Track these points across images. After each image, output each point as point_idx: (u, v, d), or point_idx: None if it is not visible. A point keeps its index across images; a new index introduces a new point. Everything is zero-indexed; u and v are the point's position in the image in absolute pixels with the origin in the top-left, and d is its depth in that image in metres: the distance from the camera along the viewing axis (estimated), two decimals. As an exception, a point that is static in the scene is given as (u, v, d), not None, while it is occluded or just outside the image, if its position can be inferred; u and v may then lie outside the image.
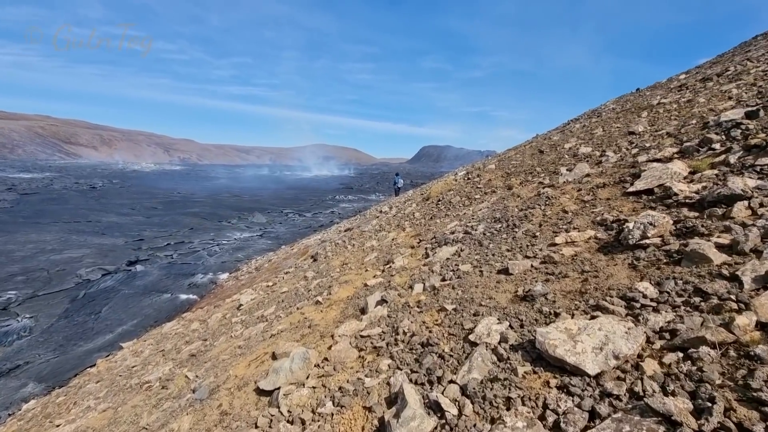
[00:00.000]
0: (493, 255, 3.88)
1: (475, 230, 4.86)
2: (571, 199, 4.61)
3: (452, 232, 5.43)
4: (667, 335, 2.05)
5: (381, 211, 13.11)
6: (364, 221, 12.64)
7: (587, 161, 7.29)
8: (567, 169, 6.53)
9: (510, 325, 2.64)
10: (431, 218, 8.25)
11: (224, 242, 22.31)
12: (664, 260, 2.67)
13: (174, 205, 38.60)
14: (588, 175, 5.70)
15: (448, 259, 4.31)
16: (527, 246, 3.78)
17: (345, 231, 12.91)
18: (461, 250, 4.34)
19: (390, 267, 5.15)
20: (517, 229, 4.25)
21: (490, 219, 5.16)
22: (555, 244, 3.56)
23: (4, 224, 25.40)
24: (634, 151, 6.49)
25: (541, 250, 3.57)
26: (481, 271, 3.63)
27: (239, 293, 9.26)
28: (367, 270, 5.53)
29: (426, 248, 5.24)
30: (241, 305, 7.01)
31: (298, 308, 5.06)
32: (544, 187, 6.53)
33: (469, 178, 10.46)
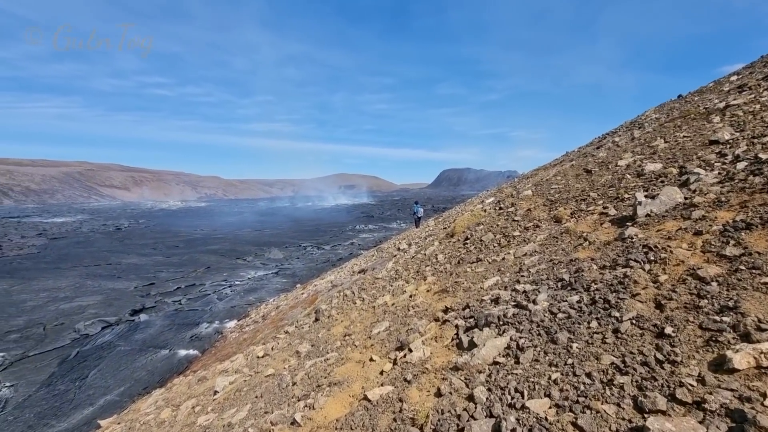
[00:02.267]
0: (590, 379, 2.07)
1: (534, 302, 3.13)
2: (694, 250, 2.86)
3: (494, 300, 3.70)
4: None
5: (399, 249, 11.44)
6: (380, 261, 10.98)
7: (668, 182, 5.48)
8: (646, 195, 4.73)
9: None
10: (458, 263, 6.51)
11: (237, 283, 21.05)
12: None
13: (195, 242, 38.19)
14: (689, 205, 3.92)
15: (496, 364, 2.59)
16: (660, 365, 1.96)
17: (358, 273, 11.26)
18: (518, 347, 2.61)
19: (404, 358, 3.45)
20: (616, 313, 2.47)
21: (553, 280, 3.42)
22: (733, 369, 1.79)
23: (27, 271, 25.17)
24: (741, 165, 4.66)
25: (701, 381, 1.80)
26: (575, 422, 1.87)
27: (230, 361, 7.67)
28: (372, 358, 3.85)
29: (457, 327, 3.52)
30: (216, 392, 5.40)
31: (271, 424, 3.40)
32: (615, 222, 4.73)
33: (501, 208, 8.72)
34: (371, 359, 3.86)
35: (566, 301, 2.90)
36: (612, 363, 2.13)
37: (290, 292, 16.83)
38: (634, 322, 2.35)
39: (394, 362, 3.58)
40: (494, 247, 6.43)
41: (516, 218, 7.32)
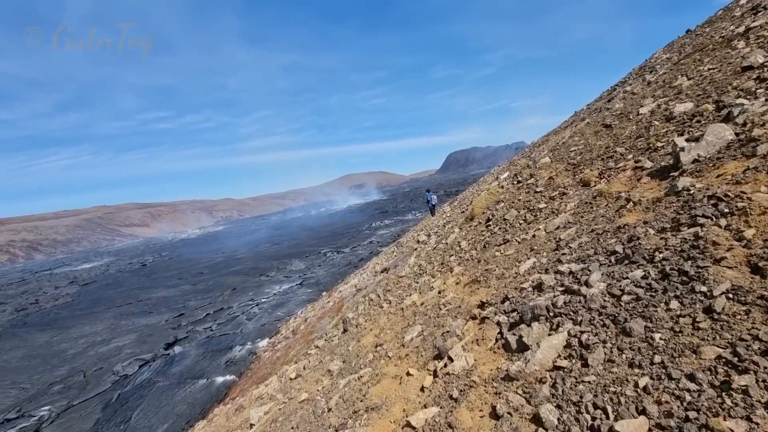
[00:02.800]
0: (694, 383, 1.56)
1: (587, 285, 2.64)
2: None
3: (537, 287, 3.23)
4: None
5: (419, 241, 10.98)
6: (401, 257, 10.55)
7: (706, 120, 4.87)
8: (687, 140, 4.15)
9: None
10: (484, 248, 6.03)
11: (263, 300, 20.99)
12: None
13: (218, 266, 38.54)
14: (746, 140, 3.34)
15: (558, 369, 2.12)
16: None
17: (381, 273, 10.87)
18: (581, 344, 2.13)
19: (445, 368, 3.03)
20: (701, 287, 1.94)
21: (602, 254, 2.92)
22: None
23: (64, 320, 25.72)
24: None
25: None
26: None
27: (265, 385, 7.39)
28: (408, 372, 3.43)
29: (499, 324, 3.07)
30: (252, 425, 5.09)
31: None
32: (655, 176, 4.18)
33: (519, 181, 8.16)
34: (408, 373, 3.44)
35: (627, 278, 2.41)
36: (719, 356, 1.64)
37: (316, 301, 16.59)
38: (731, 296, 1.85)
39: (435, 374, 3.16)
40: (520, 224, 5.92)
41: (538, 189, 6.77)
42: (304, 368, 6.42)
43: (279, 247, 44.29)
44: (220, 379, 11.77)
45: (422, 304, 5.37)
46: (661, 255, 2.39)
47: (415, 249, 10.25)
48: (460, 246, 6.95)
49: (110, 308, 26.93)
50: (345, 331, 6.68)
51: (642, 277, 2.32)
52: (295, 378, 6.09)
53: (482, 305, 3.75)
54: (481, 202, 8.40)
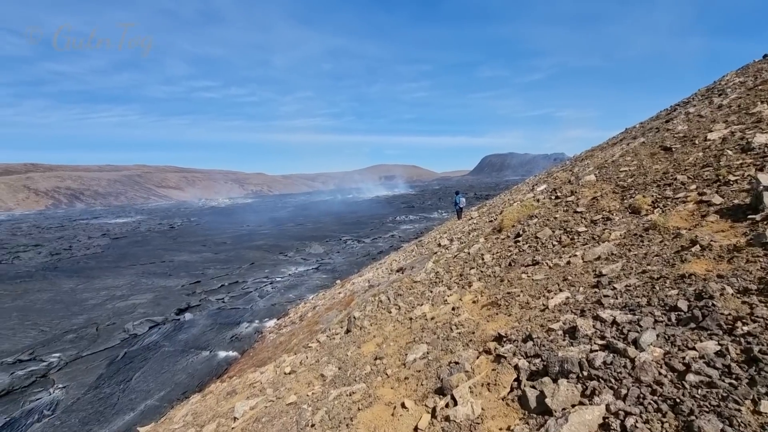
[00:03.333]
0: None
1: (635, 345, 2.10)
2: None
3: (569, 332, 2.70)
4: None
5: (440, 245, 10.45)
6: (419, 259, 10.08)
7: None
8: (776, 178, 3.46)
9: None
10: (510, 266, 5.48)
11: (278, 279, 21.03)
12: None
13: (241, 238, 39.18)
14: None
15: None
16: None
17: (396, 272, 10.45)
18: (623, 429, 1.62)
19: (446, 410, 2.58)
20: None
21: (658, 307, 2.36)
22: None
23: (91, 270, 26.78)
24: None
25: None
26: None
27: (260, 372, 7.17)
28: (404, 404, 3.00)
29: (517, 369, 2.57)
30: (236, 418, 4.82)
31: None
32: (726, 215, 3.52)
33: (557, 197, 7.48)
34: (403, 405, 3.01)
35: (695, 349, 1.88)
36: None
37: (329, 289, 16.39)
38: None
39: (433, 414, 2.71)
40: (554, 246, 5.33)
41: (578, 209, 6.12)
42: (300, 363, 6.11)
43: (302, 227, 44.62)
44: (222, 354, 11.76)
45: (433, 318, 4.90)
46: (745, 328, 1.85)
47: (435, 253, 9.75)
48: (483, 259, 6.42)
49: (134, 265, 27.82)
50: (348, 331, 6.32)
51: (717, 354, 1.79)
52: (290, 373, 5.79)
53: (499, 338, 3.25)
54: (512, 214, 7.79)
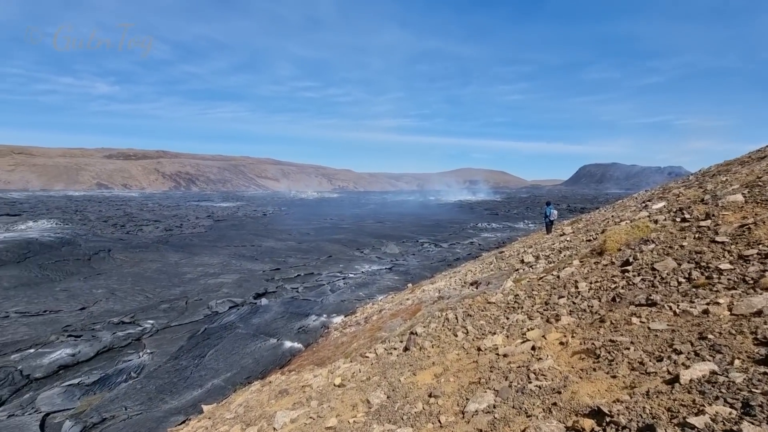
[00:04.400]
0: None
1: None
2: None
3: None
4: None
5: (523, 261, 9.21)
6: (497, 275, 8.98)
7: None
8: None
9: None
10: (614, 302, 4.31)
11: (351, 275, 21.15)
12: None
13: (323, 231, 40.75)
14: None
15: None
16: None
17: (470, 285, 9.48)
18: None
19: None
20: None
21: None
22: None
23: (194, 247, 29.91)
24: None
25: None
26: None
27: (313, 375, 6.86)
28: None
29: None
30: (275, 429, 4.48)
31: None
32: None
33: (684, 219, 5.91)
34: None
35: None
36: None
37: (398, 293, 15.89)
38: None
39: None
40: (679, 284, 4.04)
41: (718, 239, 4.65)
42: (352, 376, 5.61)
43: (381, 226, 44.98)
44: (288, 345, 11.93)
45: (506, 356, 4.00)
46: None
47: (517, 270, 8.59)
48: (576, 287, 5.26)
49: (228, 246, 30.41)
50: (407, 349, 5.65)
51: None
52: (339, 386, 5.32)
53: (599, 414, 2.31)
54: (618, 235, 6.39)
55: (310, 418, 4.37)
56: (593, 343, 3.46)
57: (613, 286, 4.78)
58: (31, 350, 10.92)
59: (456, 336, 5.29)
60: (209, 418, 7.32)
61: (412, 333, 6.20)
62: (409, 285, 18.17)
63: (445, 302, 8.29)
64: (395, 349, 6.13)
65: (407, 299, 11.96)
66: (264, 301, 16.26)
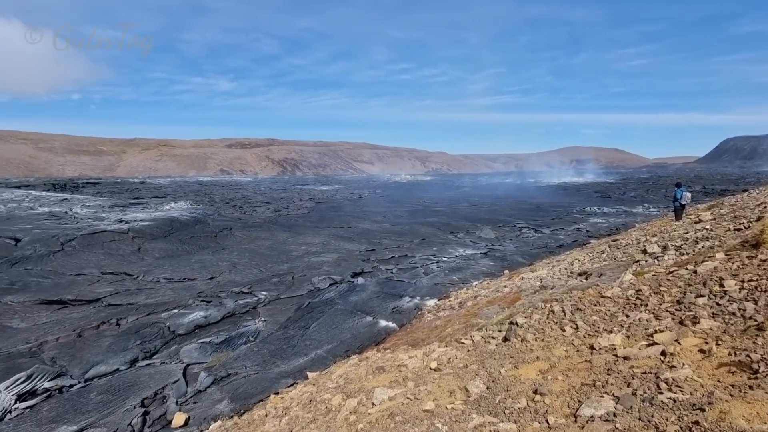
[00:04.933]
0: None
1: None
2: None
3: None
4: None
5: (645, 251, 8.02)
6: (612, 266, 7.98)
7: None
8: None
9: None
10: (781, 307, 3.45)
11: (445, 259, 20.98)
12: None
13: (417, 213, 41.08)
14: None
15: None
16: None
17: (577, 276, 8.60)
18: None
19: None
20: None
21: None
22: None
23: (298, 227, 32.66)
24: None
25: None
26: None
27: (408, 356, 6.96)
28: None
29: None
30: (373, 404, 4.63)
31: None
32: None
33: None
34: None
35: None
36: None
37: (494, 279, 15.27)
38: None
39: None
40: None
41: None
42: (448, 361, 5.55)
43: (476, 209, 43.62)
44: (383, 323, 12.36)
45: (627, 358, 3.51)
46: None
47: (637, 261, 7.52)
48: (721, 285, 4.37)
49: (328, 227, 32.47)
50: (506, 339, 5.36)
51: None
52: (435, 369, 5.30)
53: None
54: (783, 223, 5.12)
55: (407, 398, 4.42)
56: (749, 356, 2.82)
57: (776, 287, 3.85)
58: (175, 310, 13.09)
59: (563, 331, 4.83)
60: (314, 384, 7.96)
61: (512, 323, 5.86)
62: (506, 272, 17.35)
63: (548, 293, 7.68)
64: (493, 338, 5.87)
65: (504, 286, 11.42)
66: (360, 280, 17.05)
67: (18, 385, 8.53)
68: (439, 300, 14.41)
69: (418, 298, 14.75)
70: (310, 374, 9.26)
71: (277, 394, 8.73)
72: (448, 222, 34.20)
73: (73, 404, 8.24)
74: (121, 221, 27.93)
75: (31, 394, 8.47)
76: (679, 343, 3.45)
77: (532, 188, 73.53)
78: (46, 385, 8.79)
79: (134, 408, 8.14)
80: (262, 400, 8.55)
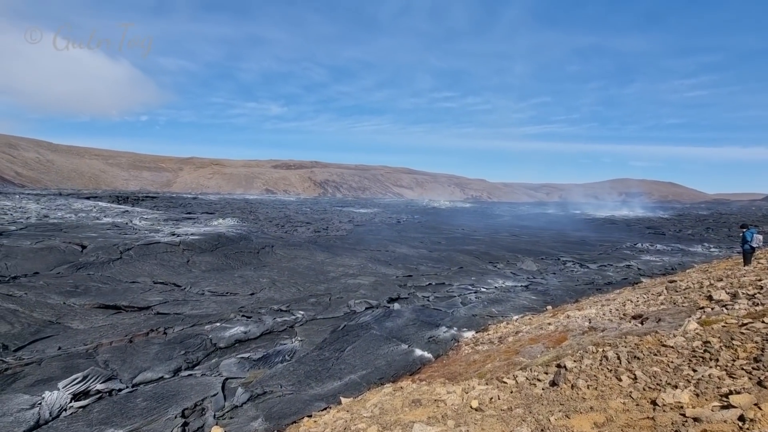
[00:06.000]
0: None
1: None
2: None
3: None
4: None
5: (711, 298, 7.37)
6: (672, 311, 7.38)
7: None
8: None
9: None
10: None
11: (483, 290, 20.37)
12: None
13: (455, 241, 40.56)
14: None
15: None
16: None
17: (632, 319, 8.03)
18: None
19: None
20: None
21: None
22: None
23: (336, 248, 33.12)
24: None
25: None
26: None
27: (447, 391, 6.73)
28: None
29: None
30: (411, 441, 4.50)
31: None
32: None
33: None
34: None
35: None
36: None
37: (537, 314, 14.59)
38: None
39: None
40: None
41: None
42: (490, 401, 5.30)
43: (516, 239, 42.36)
44: (418, 353, 12.07)
45: (697, 420, 3.20)
46: None
47: (702, 308, 6.93)
48: (808, 345, 3.91)
49: (365, 250, 32.68)
50: (554, 384, 5.07)
51: None
52: (476, 409, 5.08)
53: None
54: None
55: (447, 441, 4.26)
56: None
57: None
58: (218, 324, 13.53)
59: (620, 380, 4.50)
60: (347, 411, 7.85)
61: (560, 366, 5.54)
62: (549, 307, 16.55)
63: (599, 335, 7.22)
64: (539, 380, 5.57)
65: (548, 324, 10.86)
66: (396, 306, 16.88)
67: (75, 384, 9.08)
68: (477, 332, 13.93)
69: (455, 328, 14.33)
70: (343, 400, 9.15)
71: (311, 417, 8.69)
72: (487, 251, 33.36)
73: (121, 408, 8.63)
74: (173, 234, 29.69)
75: (85, 394, 8.98)
76: (760, 408, 3.10)
77: (579, 220, 70.49)
78: (99, 386, 9.29)
79: (175, 417, 8.38)
80: (295, 422, 8.53)
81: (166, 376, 10.14)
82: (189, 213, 52.27)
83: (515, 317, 15.33)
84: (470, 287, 20.75)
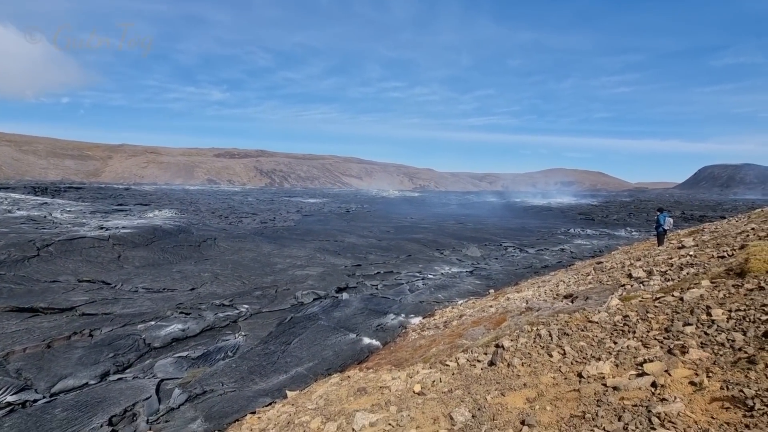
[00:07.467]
0: None
1: None
2: None
3: None
4: None
5: (631, 276, 8.07)
6: (598, 289, 7.99)
7: None
8: None
9: None
10: (765, 341, 3.44)
11: (430, 276, 20.86)
12: None
13: (403, 229, 41.02)
14: None
15: None
16: None
17: (563, 298, 8.59)
18: None
19: None
20: None
21: None
22: None
23: (283, 239, 32.19)
24: None
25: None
26: None
27: (392, 377, 6.77)
28: None
29: None
30: (354, 430, 4.44)
31: None
32: None
33: None
34: None
35: None
36: None
37: (480, 298, 15.20)
38: None
39: None
40: None
41: None
42: (432, 384, 5.39)
43: (462, 227, 43.84)
44: (366, 341, 12.10)
45: (616, 389, 3.43)
46: None
47: (623, 286, 7.55)
48: (708, 314, 4.36)
49: (314, 240, 32.11)
50: (492, 363, 5.25)
51: None
52: (418, 393, 5.13)
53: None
54: (765, 253, 5.20)
55: (389, 424, 4.25)
56: (742, 391, 2.77)
57: (764, 318, 3.85)
58: (152, 322, 12.61)
59: (551, 356, 4.75)
60: (292, 404, 7.65)
61: (498, 346, 5.76)
62: (491, 291, 17.32)
63: (534, 315, 7.62)
64: (479, 361, 5.75)
65: (490, 306, 11.34)
66: (345, 295, 16.78)
67: (-24, 399, 8.01)
68: (423, 318, 14.23)
69: (402, 315, 14.54)
70: (289, 393, 8.92)
71: (254, 413, 8.38)
72: (435, 239, 34.20)
73: (35, 420, 7.74)
74: (102, 228, 27.16)
75: (-9, 409, 7.95)
76: (670, 374, 3.40)
77: (518, 208, 74.52)
78: (9, 399, 8.27)
79: (101, 426, 7.69)
80: (238, 420, 8.19)
81: (92, 382, 9.27)
82: (120, 205, 48.13)
83: (460, 302, 15.87)
84: (418, 274, 21.16)
